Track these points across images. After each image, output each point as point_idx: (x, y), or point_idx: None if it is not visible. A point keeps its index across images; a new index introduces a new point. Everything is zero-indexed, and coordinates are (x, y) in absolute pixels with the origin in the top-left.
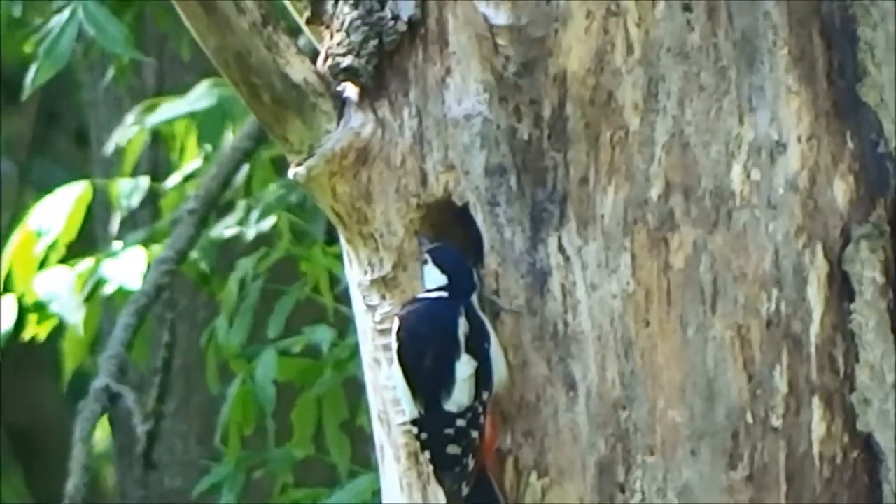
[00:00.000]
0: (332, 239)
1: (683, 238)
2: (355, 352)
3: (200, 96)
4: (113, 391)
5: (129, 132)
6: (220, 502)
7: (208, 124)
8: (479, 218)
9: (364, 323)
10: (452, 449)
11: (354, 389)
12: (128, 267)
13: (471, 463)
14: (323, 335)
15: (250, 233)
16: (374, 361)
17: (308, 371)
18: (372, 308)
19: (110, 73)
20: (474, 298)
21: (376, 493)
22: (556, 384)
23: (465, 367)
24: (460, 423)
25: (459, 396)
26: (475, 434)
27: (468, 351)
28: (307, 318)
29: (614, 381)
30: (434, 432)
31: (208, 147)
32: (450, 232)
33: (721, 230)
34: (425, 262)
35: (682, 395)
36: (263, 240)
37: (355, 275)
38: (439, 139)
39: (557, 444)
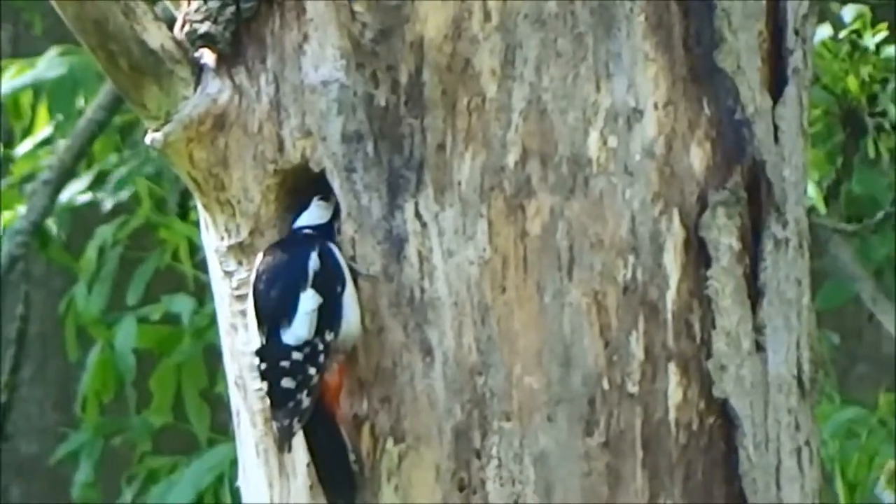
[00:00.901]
0: (184, 211)
1: (540, 205)
2: (214, 320)
3: (50, 65)
4: None
5: None
6: (78, 470)
7: (59, 94)
8: (336, 184)
9: (221, 289)
10: (287, 382)
11: (214, 358)
12: None
13: (305, 400)
14: (182, 304)
15: (107, 203)
16: (231, 327)
17: (167, 339)
18: (229, 274)
19: None
20: (331, 243)
21: (234, 463)
22: (413, 350)
23: (308, 300)
24: (297, 356)
25: (299, 329)
26: (312, 371)
27: (315, 286)
28: (166, 286)
29: (471, 347)
30: (271, 364)
31: (59, 116)
32: (306, 198)
33: (578, 197)
34: (318, 199)
35: (538, 361)
36: (120, 208)
37: (212, 241)
38: (296, 106)
39: (414, 411)
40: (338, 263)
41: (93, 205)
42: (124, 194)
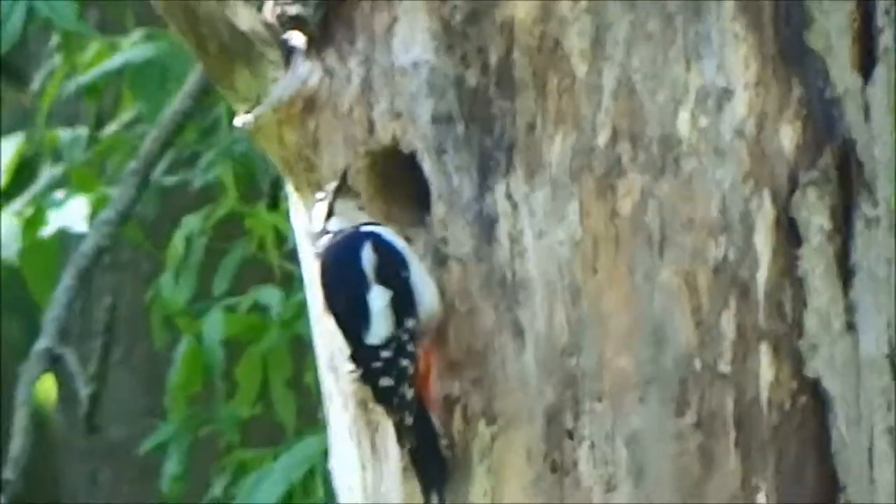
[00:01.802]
0: (274, 200)
1: (631, 185)
2: (301, 311)
3: (136, 49)
4: (55, 353)
5: (54, 78)
6: (166, 462)
7: (145, 79)
8: (427, 166)
9: (312, 271)
10: (385, 381)
11: (300, 349)
12: (73, 212)
13: (408, 392)
14: (270, 295)
15: (196, 181)
16: (324, 310)
17: (254, 328)
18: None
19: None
20: (382, 229)
21: (325, 454)
22: (504, 332)
23: (377, 298)
24: (386, 354)
25: (378, 328)
26: (405, 363)
27: (380, 281)
28: (253, 277)
29: (562, 327)
30: (365, 367)
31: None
32: (398, 179)
33: (668, 177)
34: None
35: (629, 341)
36: (206, 195)
37: (303, 223)
38: (386, 88)
39: (506, 392)
40: (394, 248)
41: (181, 186)
42: (212, 177)
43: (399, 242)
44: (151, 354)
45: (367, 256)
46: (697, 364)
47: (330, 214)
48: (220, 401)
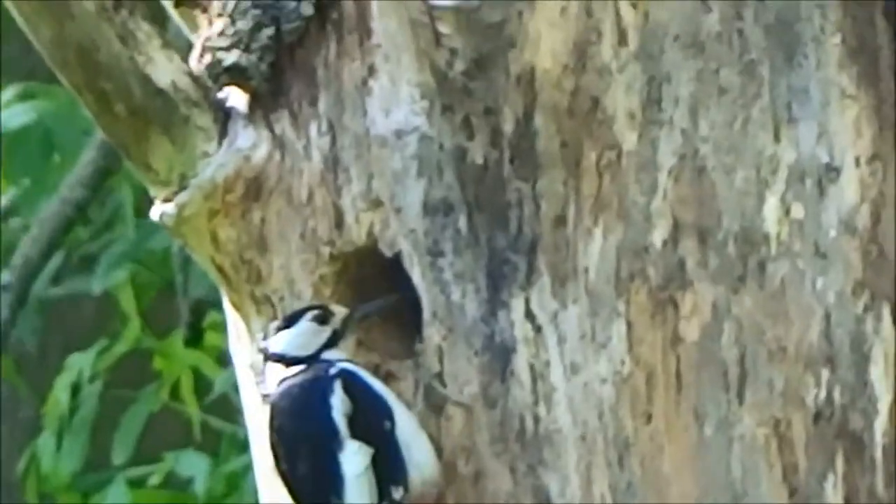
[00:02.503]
0: (198, 331)
1: (699, 299)
2: (236, 483)
3: (10, 111)
4: None
5: None
6: None
7: (21, 153)
8: (417, 273)
9: (260, 419)
10: None
11: None
12: None
13: None
14: (192, 464)
15: (94, 286)
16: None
17: None
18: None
19: None
20: (353, 365)
21: None
22: (524, 502)
23: (354, 458)
24: None
25: (356, 500)
26: None
27: (356, 436)
28: (166, 437)
29: (604, 497)
30: None
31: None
32: (375, 292)
33: (750, 288)
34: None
35: None
36: (103, 318)
37: (245, 353)
38: (360, 164)
39: None
40: (373, 391)
41: (71, 300)
42: (111, 286)
43: (377, 383)
44: None
45: (338, 401)
46: None
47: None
48: None
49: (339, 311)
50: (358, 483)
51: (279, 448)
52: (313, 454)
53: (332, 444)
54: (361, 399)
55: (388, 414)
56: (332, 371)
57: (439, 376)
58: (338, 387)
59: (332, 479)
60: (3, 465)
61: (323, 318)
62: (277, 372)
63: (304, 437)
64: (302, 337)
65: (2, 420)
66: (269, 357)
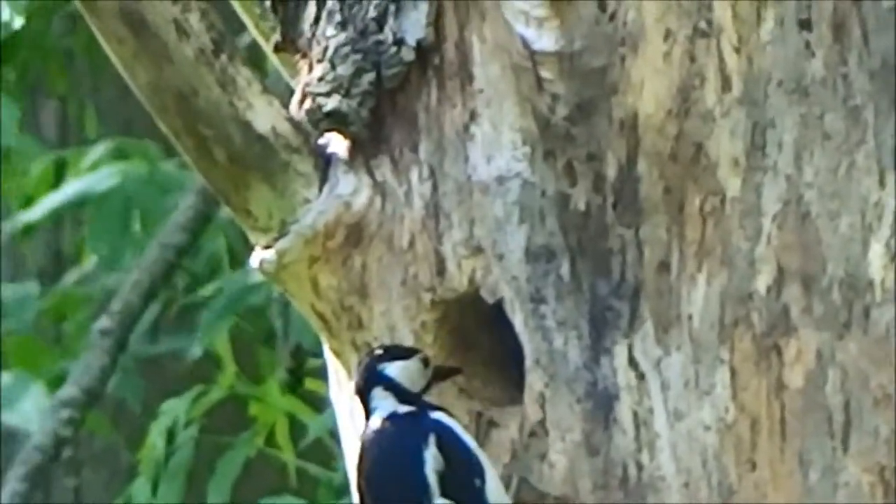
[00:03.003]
0: (298, 379)
1: (803, 346)
2: None
3: (96, 174)
4: None
5: None
6: None
7: (103, 217)
8: (519, 320)
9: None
10: None
11: None
12: (23, 406)
13: None
14: None
15: (194, 350)
16: None
17: None
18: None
19: None
20: (446, 418)
21: None
22: None
23: None
24: None
25: None
26: None
27: (446, 494)
28: (261, 482)
29: None
30: None
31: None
32: (476, 339)
33: (855, 334)
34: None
35: None
36: (200, 369)
37: (346, 401)
38: (461, 211)
39: None
40: (466, 447)
41: (169, 356)
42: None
43: (470, 440)
44: None
45: (431, 457)
46: None
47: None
48: None
49: (431, 360)
50: None
51: (367, 494)
52: None
53: (422, 501)
54: (454, 456)
55: (479, 472)
56: (428, 424)
57: (541, 423)
58: (432, 442)
59: None
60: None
61: (427, 362)
62: (388, 401)
63: (394, 490)
64: (413, 373)
65: (99, 468)
66: (383, 381)
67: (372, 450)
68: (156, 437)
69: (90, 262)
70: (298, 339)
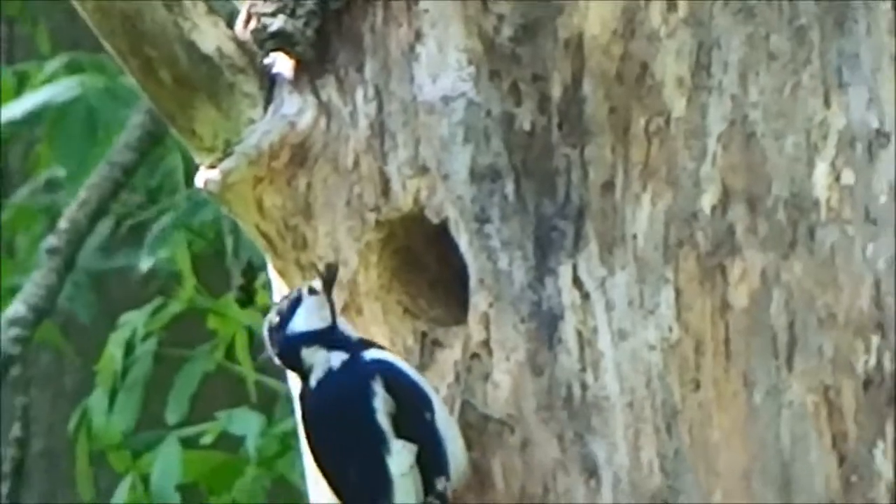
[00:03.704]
0: (250, 294)
1: (748, 266)
2: (289, 444)
3: (54, 86)
4: None
5: None
6: None
7: (65, 128)
8: (464, 240)
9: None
10: None
11: (285, 495)
12: None
13: None
14: (246, 423)
15: (142, 263)
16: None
17: (223, 470)
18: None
19: None
20: (389, 356)
21: None
22: (572, 470)
23: (400, 458)
24: None
25: (403, 499)
26: None
27: (400, 434)
28: (220, 397)
29: (652, 465)
30: None
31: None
32: (421, 259)
33: (800, 254)
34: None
35: (746, 485)
36: (156, 283)
37: None
38: (406, 131)
39: None
40: (412, 382)
41: (121, 271)
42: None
43: (413, 372)
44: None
45: (381, 403)
46: None
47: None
48: None
49: (315, 283)
50: (404, 482)
51: (321, 453)
52: (360, 460)
53: (379, 448)
54: (403, 395)
55: (428, 405)
56: (370, 369)
57: (486, 344)
58: (379, 387)
59: (379, 482)
60: (47, 431)
61: (313, 289)
62: (319, 353)
63: (349, 444)
64: (315, 311)
65: (46, 387)
66: (301, 339)
67: (319, 411)
68: (114, 350)
69: (42, 176)
70: (250, 255)
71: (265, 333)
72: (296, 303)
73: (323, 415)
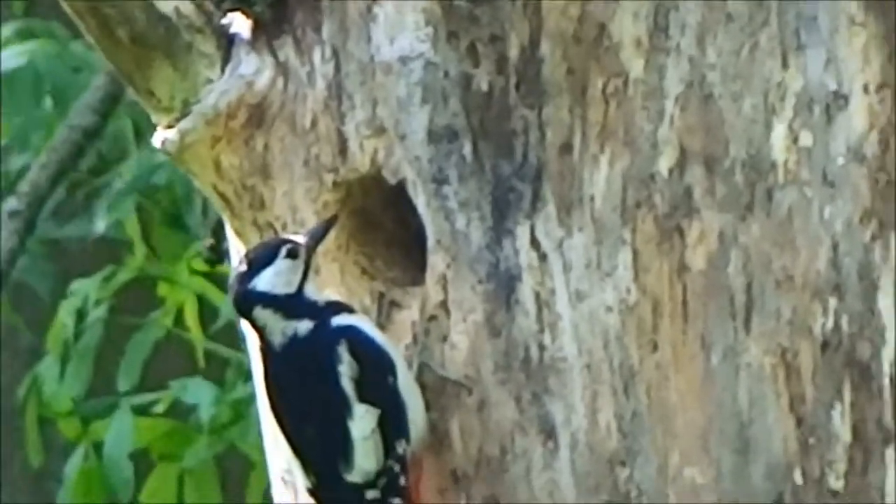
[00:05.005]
0: (217, 253)
1: (705, 227)
2: (240, 413)
3: (8, 53)
4: None
5: None
6: None
7: (15, 94)
8: (421, 201)
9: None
10: None
11: (238, 468)
12: None
13: None
14: (198, 392)
15: (98, 226)
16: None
17: (174, 437)
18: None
19: None
20: (355, 319)
21: None
22: (529, 431)
23: (362, 422)
24: (372, 494)
25: (364, 462)
26: (397, 502)
27: (363, 399)
28: (171, 365)
29: (609, 427)
30: None
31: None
32: (379, 220)
33: (758, 216)
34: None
35: (704, 446)
36: (109, 249)
37: None
38: (364, 91)
39: None
40: (376, 346)
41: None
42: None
43: (378, 335)
44: (28, 474)
45: (346, 367)
46: (798, 477)
47: (303, 281)
48: None
49: (302, 242)
50: (365, 446)
51: (284, 413)
52: (322, 422)
53: (341, 412)
54: (367, 360)
55: (391, 369)
56: (334, 335)
57: (443, 305)
58: (344, 351)
59: (340, 444)
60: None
61: (294, 252)
62: (274, 318)
63: (312, 406)
64: (284, 275)
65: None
66: (260, 298)
67: (283, 373)
68: (65, 317)
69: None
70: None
71: (231, 277)
72: (268, 259)
73: (287, 380)
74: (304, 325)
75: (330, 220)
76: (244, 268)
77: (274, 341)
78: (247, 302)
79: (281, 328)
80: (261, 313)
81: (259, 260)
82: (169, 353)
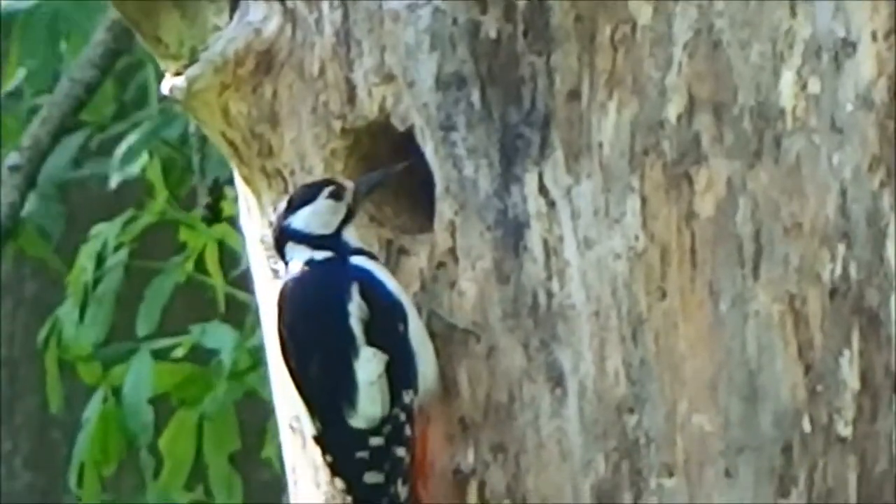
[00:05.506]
0: (214, 212)
1: (714, 174)
2: (259, 358)
3: None
4: None
5: None
6: None
7: (28, 37)
8: (429, 148)
9: (269, 296)
10: (372, 477)
11: (257, 411)
12: None
13: (402, 491)
14: (218, 336)
15: (113, 177)
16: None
17: (193, 383)
18: (279, 274)
19: None
20: (372, 264)
21: None
22: (537, 379)
23: (369, 365)
24: (376, 441)
25: (368, 407)
26: (401, 452)
27: (371, 342)
28: (191, 310)
29: (618, 374)
30: (343, 456)
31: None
32: (387, 167)
33: (766, 163)
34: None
35: (712, 393)
36: (127, 196)
37: (256, 228)
38: (372, 38)
39: (539, 463)
40: (388, 293)
41: (91, 183)
42: (134, 170)
43: (392, 283)
44: (45, 417)
45: (356, 308)
46: (807, 425)
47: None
48: (147, 482)
49: (349, 185)
50: (371, 391)
51: (290, 345)
52: (327, 360)
53: (347, 352)
54: (377, 303)
55: (402, 316)
56: (349, 272)
57: (451, 251)
58: (355, 291)
59: (345, 386)
60: (8, 340)
61: (338, 194)
62: (302, 252)
63: (318, 341)
64: (322, 216)
65: (6, 296)
66: (292, 235)
67: (294, 300)
68: (85, 261)
69: (10, 84)
70: (217, 174)
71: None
72: (310, 198)
73: (298, 305)
74: (323, 254)
75: (388, 169)
76: (284, 206)
77: (293, 270)
78: (280, 238)
79: (304, 259)
80: (291, 249)
81: (300, 198)
82: (190, 298)
